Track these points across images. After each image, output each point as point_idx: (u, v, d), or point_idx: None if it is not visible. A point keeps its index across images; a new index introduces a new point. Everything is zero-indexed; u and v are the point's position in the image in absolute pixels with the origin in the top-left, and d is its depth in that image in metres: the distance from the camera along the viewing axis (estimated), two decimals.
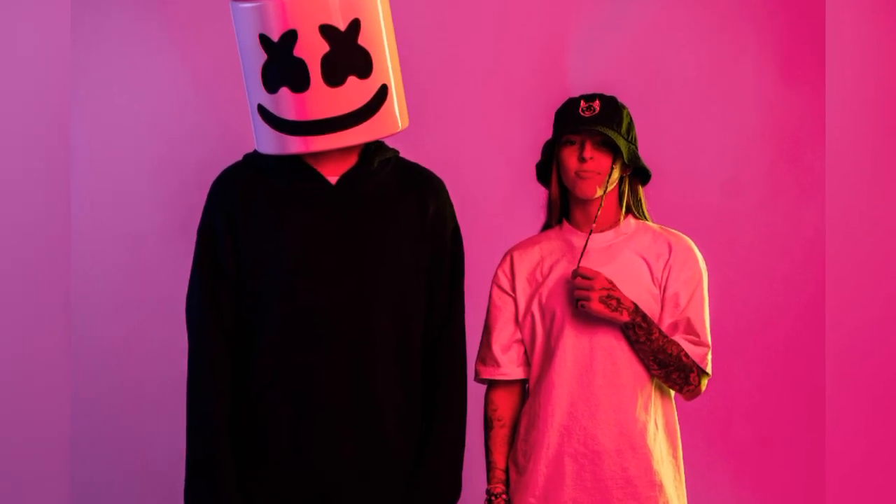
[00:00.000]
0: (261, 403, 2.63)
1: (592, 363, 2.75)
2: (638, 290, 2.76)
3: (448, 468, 2.69)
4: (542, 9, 4.14)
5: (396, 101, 2.65)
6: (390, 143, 2.73)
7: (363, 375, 2.63)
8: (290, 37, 2.54)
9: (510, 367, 2.82)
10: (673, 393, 2.83)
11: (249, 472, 2.63)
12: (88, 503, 3.85)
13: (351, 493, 2.64)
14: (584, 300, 2.70)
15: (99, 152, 3.98)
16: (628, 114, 2.79)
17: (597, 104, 2.75)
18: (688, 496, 2.85)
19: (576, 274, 2.72)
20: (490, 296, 2.86)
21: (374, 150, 2.69)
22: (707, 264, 2.84)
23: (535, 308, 2.80)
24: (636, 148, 2.80)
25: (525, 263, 2.84)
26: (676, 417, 2.82)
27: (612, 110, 2.75)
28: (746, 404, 4.17)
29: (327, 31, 2.54)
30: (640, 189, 2.85)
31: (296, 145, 2.60)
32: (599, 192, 2.76)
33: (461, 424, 2.72)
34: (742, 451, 4.17)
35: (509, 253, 2.87)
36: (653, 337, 2.72)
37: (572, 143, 2.76)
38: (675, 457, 2.80)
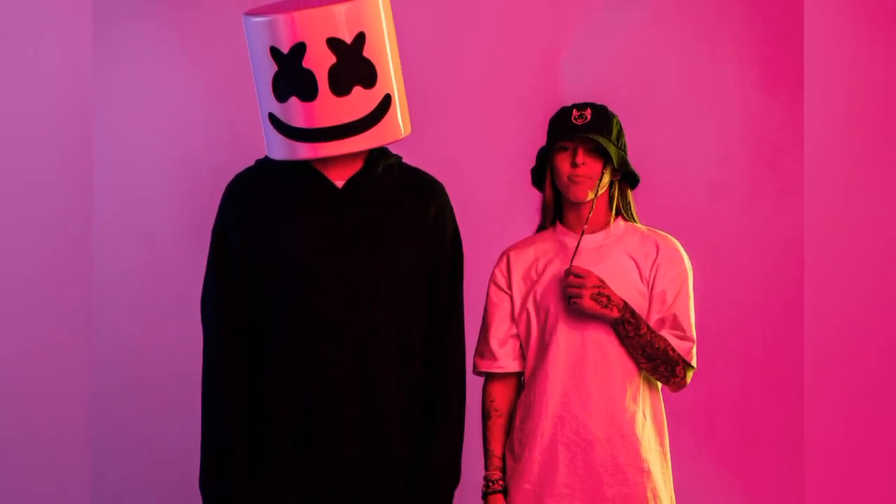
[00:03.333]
0: (271, 401, 2.66)
1: (584, 357, 2.78)
2: (627, 287, 2.79)
3: (448, 458, 2.72)
4: (538, 22, 4.12)
5: (399, 110, 2.68)
6: (393, 150, 2.76)
7: (368, 376, 2.66)
8: (300, 49, 2.58)
9: (506, 360, 2.85)
10: (660, 385, 2.85)
11: (259, 465, 2.67)
12: (108, 492, 3.83)
13: (355, 487, 2.67)
14: (576, 297, 2.73)
15: (119, 158, 3.98)
16: (618, 122, 2.81)
17: (588, 112, 2.78)
18: (674, 483, 2.87)
19: (568, 273, 2.75)
20: (487, 293, 2.89)
21: (378, 156, 2.72)
22: (692, 264, 2.86)
23: (530, 305, 2.83)
24: (625, 154, 2.82)
25: (521, 263, 2.86)
26: (664, 408, 2.85)
27: (602, 118, 2.78)
28: (729, 397, 4.15)
29: (334, 43, 2.59)
30: (629, 193, 2.88)
31: (304, 151, 2.64)
32: (591, 196, 2.79)
33: (460, 422, 2.74)
34: (725, 440, 4.15)
35: (506, 253, 2.89)
36: (641, 332, 2.76)
37: (565, 149, 2.78)
38: (662, 445, 2.83)
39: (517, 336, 2.87)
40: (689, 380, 2.85)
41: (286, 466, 2.67)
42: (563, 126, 2.80)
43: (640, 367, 2.82)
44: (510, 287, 2.87)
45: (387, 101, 2.66)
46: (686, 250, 2.88)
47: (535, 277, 2.85)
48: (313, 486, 2.67)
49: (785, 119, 4.15)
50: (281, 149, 2.68)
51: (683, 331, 2.82)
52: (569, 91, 3.75)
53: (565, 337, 2.80)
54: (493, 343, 2.86)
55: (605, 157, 2.79)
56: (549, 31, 4.14)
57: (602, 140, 2.77)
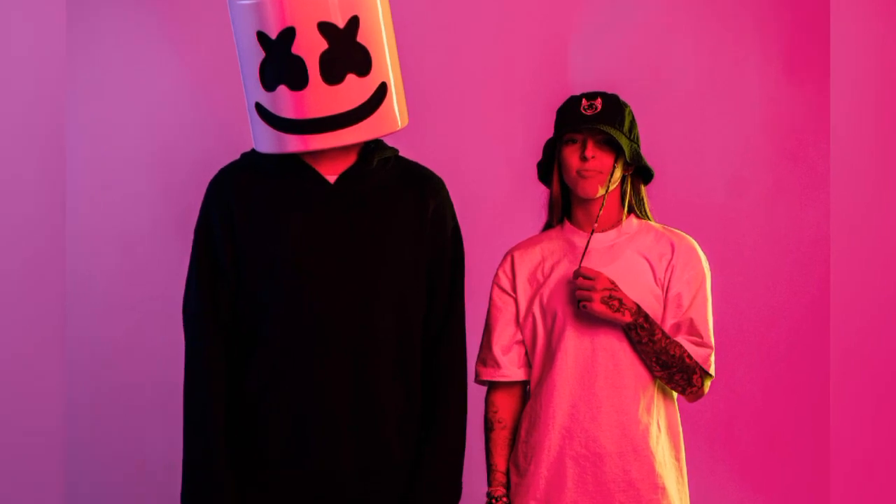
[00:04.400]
0: (259, 405, 2.63)
1: (594, 364, 2.75)
2: (640, 290, 2.76)
3: (448, 471, 2.69)
4: (543, 6, 4.16)
5: (396, 99, 2.65)
6: (390, 142, 2.74)
7: (364, 376, 2.63)
8: (289, 34, 2.54)
9: (511, 368, 2.82)
10: (675, 394, 2.83)
11: (247, 475, 2.63)
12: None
13: (351, 497, 2.63)
14: (585, 301, 2.70)
15: (95, 152, 4.00)
16: (630, 112, 2.79)
17: (599, 102, 2.76)
18: (691, 499, 2.86)
19: (577, 274, 2.72)
20: (490, 296, 2.87)
21: (373, 149, 2.69)
22: (710, 264, 2.84)
23: (535, 309, 2.80)
24: (638, 147, 2.80)
25: (526, 263, 2.84)
26: (679, 419, 2.82)
27: (614, 108, 2.76)
28: (750, 406, 4.19)
29: (326, 28, 2.54)
30: (643, 188, 2.85)
31: (294, 144, 2.60)
32: (601, 192, 2.77)
33: (461, 427, 2.72)
34: (745, 453, 4.18)
35: (510, 253, 2.87)
36: (655, 338, 2.72)
37: (574, 141, 2.77)
38: (677, 459, 2.80)
39: (522, 342, 2.85)
40: (706, 389, 2.82)
41: (277, 477, 2.64)
42: (572, 116, 2.78)
43: (654, 376, 2.78)
44: (514, 289, 2.85)
45: (382, 90, 2.63)
46: (703, 250, 2.85)
47: (541, 279, 2.82)
48: (306, 497, 2.64)
49: (810, 110, 4.18)
50: (269, 141, 2.64)
51: (701, 336, 2.78)
52: (577, 79, 3.88)
53: (574, 343, 2.76)
54: (497, 350, 2.84)
55: (616, 150, 2.77)
56: (557, 16, 4.18)
57: (613, 132, 2.74)
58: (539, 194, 2.89)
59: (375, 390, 2.63)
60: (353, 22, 2.56)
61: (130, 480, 3.97)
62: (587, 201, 2.79)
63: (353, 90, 2.57)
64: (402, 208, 2.68)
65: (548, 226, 2.88)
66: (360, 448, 2.63)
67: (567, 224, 2.84)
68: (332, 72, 2.55)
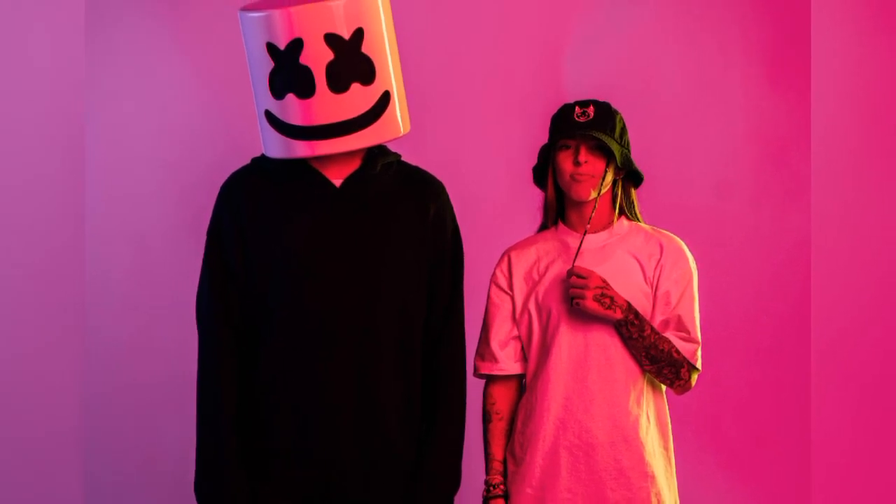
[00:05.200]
0: (267, 402, 2.66)
1: (587, 359, 2.77)
2: (630, 288, 2.79)
3: (448, 466, 2.72)
4: (539, 17, 4.14)
5: (398, 107, 2.68)
6: (393, 148, 2.76)
7: (367, 377, 2.65)
8: (297, 45, 2.58)
9: (507, 362, 2.84)
10: (664, 387, 2.85)
11: (256, 469, 2.66)
12: (100, 497, 3.84)
13: (354, 491, 2.67)
14: (578, 298, 2.72)
15: (112, 157, 3.97)
16: (621, 119, 2.81)
17: (591, 110, 2.78)
18: (678, 488, 2.88)
19: (571, 273, 2.75)
20: (488, 294, 2.89)
21: (376, 154, 2.71)
22: (697, 264, 2.85)
23: (531, 306, 2.83)
24: (629, 152, 2.82)
25: (522, 263, 2.86)
26: (668, 411, 2.85)
27: (605, 116, 2.78)
28: (735, 400, 4.17)
29: (332, 39, 2.58)
30: (633, 191, 2.87)
31: (302, 149, 2.63)
32: (593, 195, 2.78)
33: (460, 424, 2.74)
34: (731, 445, 4.17)
35: (507, 253, 2.89)
36: (645, 334, 2.75)
37: (568, 147, 2.78)
38: (666, 449, 2.83)
39: (518, 338, 2.87)
40: (693, 382, 2.84)
41: (283, 470, 2.66)
42: (565, 123, 2.80)
43: (643, 370, 2.81)
44: (511, 288, 2.87)
45: (385, 98, 2.66)
46: (691, 250, 2.87)
47: (536, 278, 2.85)
48: (311, 490, 2.66)
49: (792, 116, 4.16)
50: (278, 147, 2.67)
51: (688, 332, 2.82)
52: (571, 88, 3.76)
53: (568, 339, 2.79)
54: (494, 345, 2.86)
55: (608, 156, 2.79)
56: (552, 27, 4.15)
57: (605, 138, 2.77)
58: (535, 197, 2.91)
59: (377, 391, 2.65)
60: (358, 34, 2.59)
61: (146, 472, 3.94)
62: (580, 204, 2.82)
63: (358, 98, 2.61)
64: (403, 212, 2.70)
65: (543, 227, 2.90)
66: (362, 447, 2.65)
67: (561, 225, 2.86)
68: (338, 81, 2.58)
